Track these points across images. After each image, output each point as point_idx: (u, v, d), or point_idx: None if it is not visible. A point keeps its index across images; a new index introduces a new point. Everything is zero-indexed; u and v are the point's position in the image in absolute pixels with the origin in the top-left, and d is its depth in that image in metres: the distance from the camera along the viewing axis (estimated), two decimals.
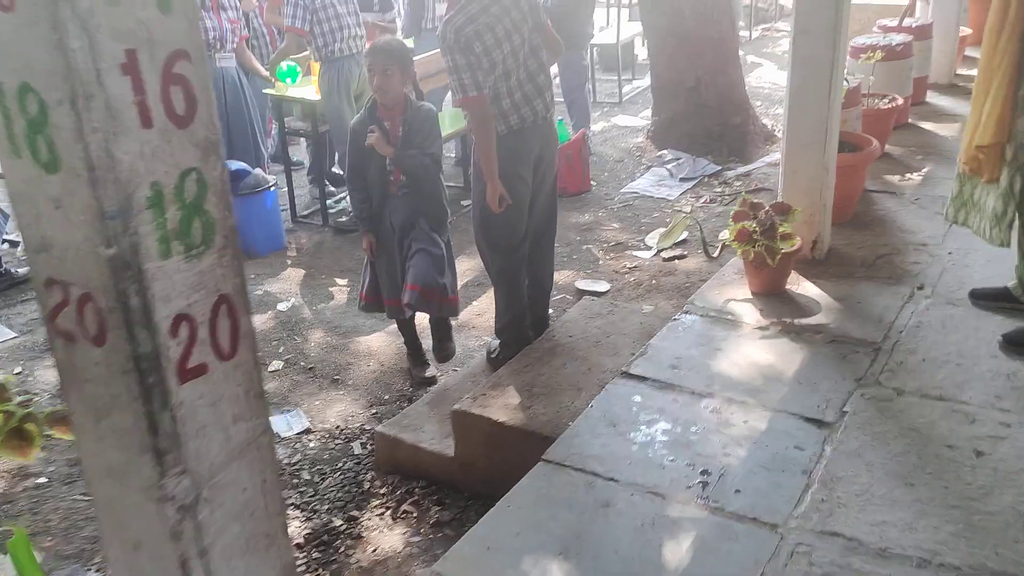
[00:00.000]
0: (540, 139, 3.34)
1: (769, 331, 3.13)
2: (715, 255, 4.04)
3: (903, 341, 2.99)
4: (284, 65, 5.20)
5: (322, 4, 4.95)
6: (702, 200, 5.62)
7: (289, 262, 5.10)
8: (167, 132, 1.06)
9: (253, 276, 4.91)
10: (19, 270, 5.05)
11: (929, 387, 2.72)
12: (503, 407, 2.95)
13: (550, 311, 4.19)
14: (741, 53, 7.21)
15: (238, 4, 5.37)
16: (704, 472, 2.41)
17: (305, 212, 5.76)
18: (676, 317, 3.27)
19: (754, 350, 3.01)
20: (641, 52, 9.07)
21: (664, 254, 4.86)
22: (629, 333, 3.38)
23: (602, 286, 4.60)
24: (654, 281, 4.60)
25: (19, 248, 5.36)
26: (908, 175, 4.57)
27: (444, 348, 3.84)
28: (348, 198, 3.67)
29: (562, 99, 6.26)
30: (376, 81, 3.37)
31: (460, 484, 3.03)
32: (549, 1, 6.12)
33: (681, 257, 4.82)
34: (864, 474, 2.36)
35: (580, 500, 2.34)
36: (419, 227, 3.49)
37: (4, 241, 5.34)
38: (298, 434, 3.55)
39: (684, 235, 4.79)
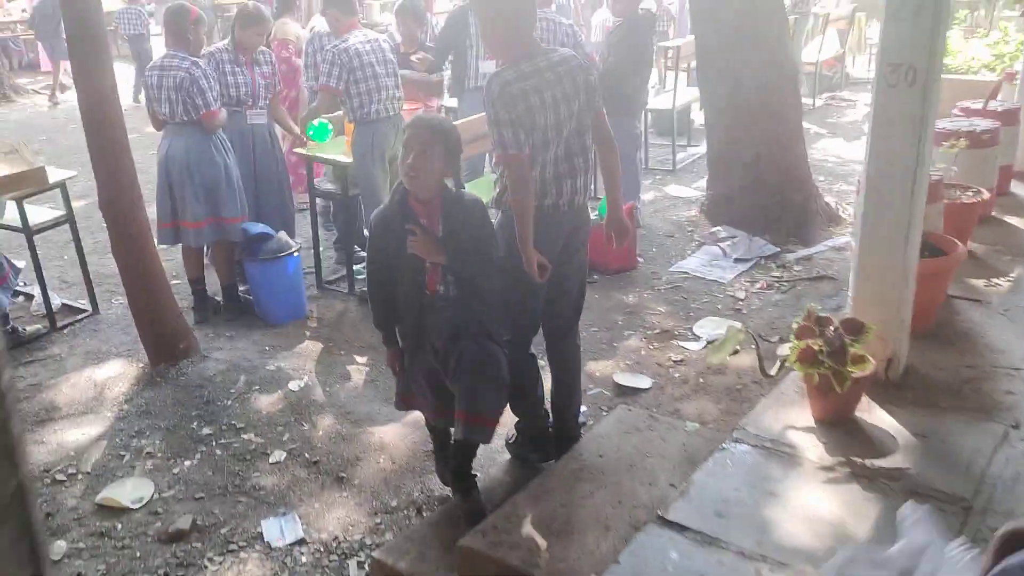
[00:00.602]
0: (568, 226, 3.03)
1: (835, 472, 2.66)
2: (773, 372, 3.57)
3: (998, 499, 2.50)
4: (316, 123, 4.92)
5: (359, 63, 4.67)
6: (758, 285, 5.17)
7: (308, 334, 4.76)
8: None
9: (268, 348, 4.58)
10: (27, 328, 4.80)
11: None
12: (516, 546, 2.53)
13: (583, 409, 3.78)
14: (804, 124, 6.78)
15: (274, 59, 5.13)
16: None
17: (332, 278, 5.44)
18: (725, 446, 2.82)
19: (817, 497, 2.55)
20: (697, 117, 8.69)
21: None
22: (670, 456, 2.94)
23: (644, 382, 4.16)
24: (702, 379, 4.15)
25: (32, 301, 5.12)
26: (995, 280, 4.08)
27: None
28: (370, 304, 2.98)
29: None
30: (410, 161, 2.65)
31: None
32: (601, 65, 5.80)
33: (733, 352, 4.36)
34: None
35: None
36: (470, 333, 2.79)
37: (17, 294, 5.11)
38: (290, 544, 3.16)
39: (738, 348, 4.30)
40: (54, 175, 4.80)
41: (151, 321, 4.28)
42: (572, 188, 2.95)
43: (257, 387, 4.20)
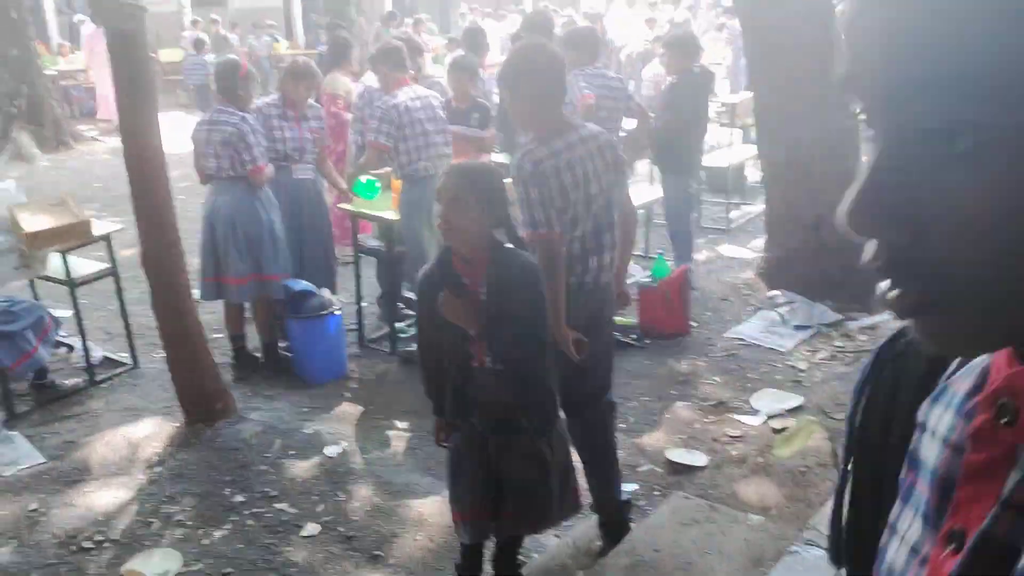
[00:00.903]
0: (593, 305, 2.92)
1: None
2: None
3: None
4: (363, 180, 4.83)
5: (409, 120, 4.58)
6: (820, 356, 4.90)
7: (347, 395, 4.61)
8: None
9: (306, 409, 4.44)
10: (66, 382, 4.73)
11: None
12: None
13: (633, 487, 3.55)
14: None
15: (323, 114, 5.08)
16: None
17: (373, 336, 5.31)
18: (795, 548, 2.57)
19: None
20: (751, 173, 8.48)
21: (775, 423, 4.15)
22: (731, 554, 2.69)
23: (699, 459, 3.91)
24: (762, 459, 3.87)
25: (73, 353, 5.06)
26: None
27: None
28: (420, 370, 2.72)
29: (665, 228, 5.73)
30: (443, 211, 2.40)
31: None
32: (656, 123, 5.66)
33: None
34: None
35: None
36: (516, 435, 2.55)
37: (60, 344, 5.05)
38: None
39: (809, 442, 4.03)
40: (100, 228, 4.77)
41: (188, 380, 4.17)
42: (599, 265, 2.87)
43: (293, 451, 4.05)
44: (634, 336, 5.06)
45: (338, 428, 4.27)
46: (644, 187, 7.05)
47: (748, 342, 5.09)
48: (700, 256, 6.45)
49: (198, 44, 12.26)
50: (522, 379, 2.47)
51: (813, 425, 3.19)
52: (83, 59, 13.31)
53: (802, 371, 4.73)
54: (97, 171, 10.47)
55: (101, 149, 11.91)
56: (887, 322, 5.24)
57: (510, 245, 2.50)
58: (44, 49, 14.27)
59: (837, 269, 5.55)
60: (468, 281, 2.45)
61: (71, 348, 5.10)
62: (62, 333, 4.89)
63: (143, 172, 3.81)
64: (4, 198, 4.70)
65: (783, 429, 4.07)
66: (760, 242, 6.46)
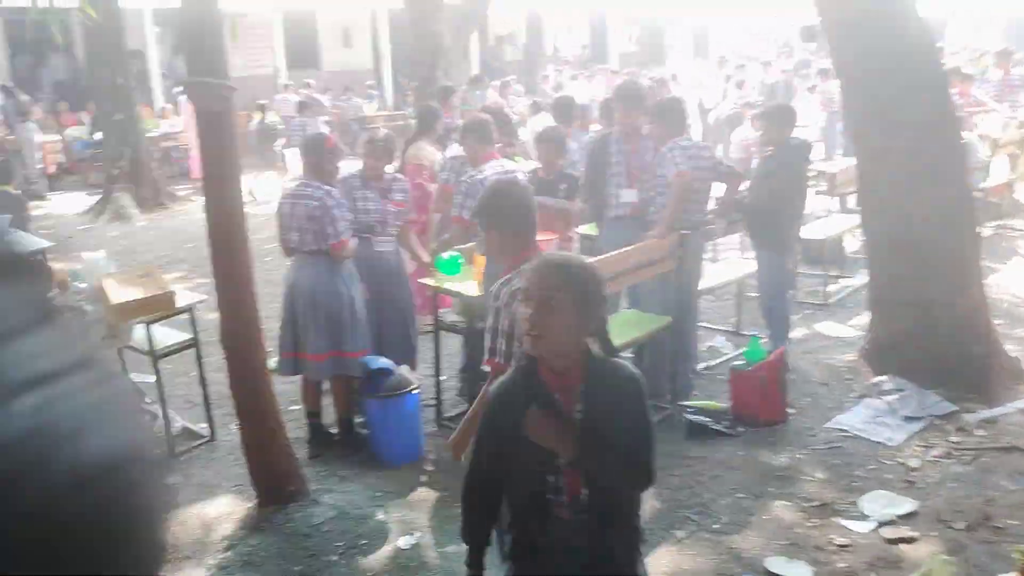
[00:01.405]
0: None
1: None
2: None
3: None
4: (447, 256, 4.71)
5: None
6: (933, 452, 4.48)
7: (423, 479, 4.41)
8: None
9: (380, 493, 4.27)
10: None
11: None
12: None
13: None
14: None
15: (407, 186, 5.01)
16: None
17: (451, 414, 5.12)
18: None
19: None
20: (851, 243, 8.07)
21: (886, 532, 3.77)
22: None
23: (802, 570, 3.56)
24: (873, 574, 3.50)
25: (156, 423, 5.02)
26: None
27: None
28: (461, 508, 2.31)
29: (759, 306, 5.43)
30: (532, 315, 2.01)
31: None
32: (750, 196, 5.40)
33: (910, 540, 3.70)
34: None
35: None
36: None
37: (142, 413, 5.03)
38: None
39: (915, 535, 3.65)
40: (184, 298, 4.77)
41: (261, 460, 4.06)
42: None
43: (365, 541, 3.87)
44: (726, 423, 4.75)
45: (412, 516, 4.08)
46: (735, 259, 6.76)
47: (852, 434, 4.70)
48: (796, 334, 6.07)
49: (301, 107, 12.55)
50: (616, 514, 2.11)
51: (948, 566, 2.79)
52: (183, 122, 13.85)
53: (914, 470, 4.32)
54: (190, 231, 10.75)
55: (195, 209, 12.27)
56: (1008, 415, 4.79)
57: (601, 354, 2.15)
58: (148, 112, 14.93)
59: (951, 354, 5.13)
60: (559, 396, 2.08)
61: (154, 417, 5.08)
62: (146, 400, 4.87)
63: (225, 248, 3.77)
64: (94, 268, 4.76)
65: (897, 540, 3.69)
66: (862, 319, 6.07)
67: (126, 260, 9.17)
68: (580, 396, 2.08)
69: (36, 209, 11.15)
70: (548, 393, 2.07)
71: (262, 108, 13.85)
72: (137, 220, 11.45)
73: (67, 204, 12.81)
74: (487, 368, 2.78)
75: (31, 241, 6.99)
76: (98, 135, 12.63)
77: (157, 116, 15.43)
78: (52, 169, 14.13)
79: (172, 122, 14.28)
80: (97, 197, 12.18)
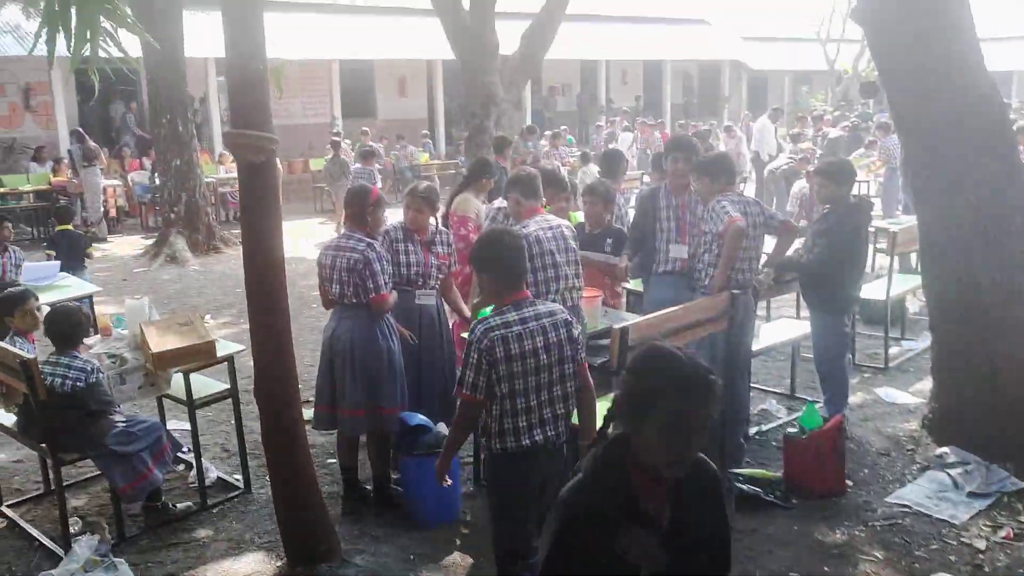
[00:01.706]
0: (547, 469, 3.22)
1: None
2: None
3: None
4: (488, 311, 4.59)
5: (539, 251, 4.34)
6: (1002, 533, 4.17)
7: (458, 541, 4.26)
8: None
9: (414, 556, 4.12)
10: (178, 505, 4.62)
11: None
12: None
13: None
14: None
15: (451, 239, 4.94)
16: None
17: None
18: None
19: None
20: (913, 304, 7.76)
21: None
22: None
23: None
24: None
25: (192, 472, 4.97)
26: None
27: None
28: None
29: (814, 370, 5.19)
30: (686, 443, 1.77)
31: None
32: (805, 257, 5.21)
33: None
34: None
35: None
36: None
37: (179, 461, 4.99)
38: None
39: None
40: (224, 348, 4.73)
41: (293, 519, 3.95)
42: (547, 431, 3.18)
43: None
44: (778, 494, 4.50)
45: None
46: (789, 320, 6.51)
47: (914, 509, 4.42)
48: (854, 399, 5.79)
49: (366, 155, 12.61)
50: None
51: None
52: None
53: (981, 552, 4.03)
54: (240, 275, 10.74)
55: None
56: None
57: None
58: (207, 158, 15.28)
59: (1020, 426, 4.82)
60: (650, 506, 1.82)
61: (190, 467, 5.03)
62: (183, 449, 4.82)
63: (263, 301, 3.72)
64: (136, 315, 4.76)
65: None
66: (924, 385, 5.77)
67: (177, 303, 9.28)
68: (668, 503, 1.84)
69: (97, 251, 11.40)
70: (643, 508, 1.81)
71: (335, 145, 14.03)
72: (190, 264, 11.62)
73: (126, 246, 13.10)
74: (456, 396, 3.21)
75: (79, 286, 7.11)
76: (158, 180, 12.94)
77: (215, 162, 15.78)
78: (113, 212, 14.52)
79: (229, 168, 14.56)
80: (153, 240, 12.44)
